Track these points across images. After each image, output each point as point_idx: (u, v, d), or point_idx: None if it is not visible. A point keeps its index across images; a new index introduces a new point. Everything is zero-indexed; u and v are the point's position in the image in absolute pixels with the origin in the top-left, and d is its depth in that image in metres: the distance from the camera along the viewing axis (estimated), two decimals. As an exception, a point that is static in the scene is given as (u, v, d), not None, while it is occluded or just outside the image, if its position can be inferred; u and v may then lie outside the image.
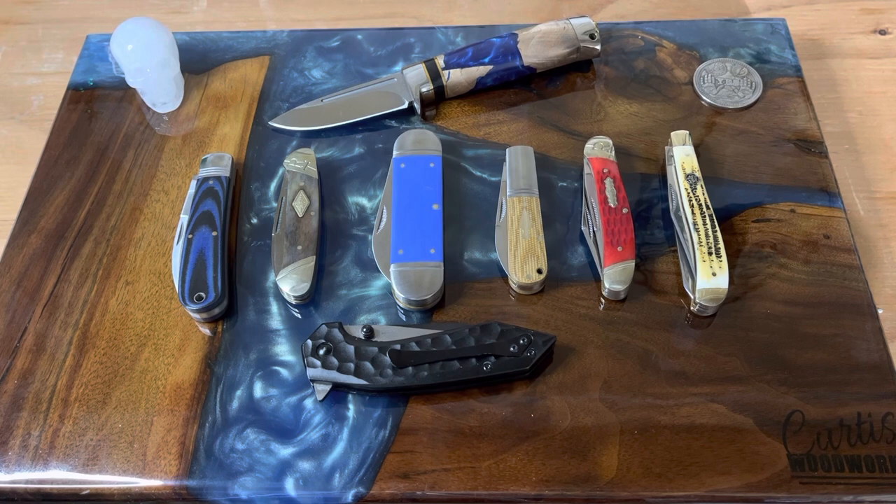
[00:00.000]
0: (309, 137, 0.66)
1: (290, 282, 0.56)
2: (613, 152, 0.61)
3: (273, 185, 0.63)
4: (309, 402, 0.52)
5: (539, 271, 0.56)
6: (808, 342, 0.53)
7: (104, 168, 0.64)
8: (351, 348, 0.52)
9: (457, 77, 0.66)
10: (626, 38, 0.71)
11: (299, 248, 0.57)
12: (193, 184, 0.61)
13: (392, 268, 0.56)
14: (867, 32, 0.77)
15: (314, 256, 0.57)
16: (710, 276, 0.53)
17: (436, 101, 0.67)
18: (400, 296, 0.55)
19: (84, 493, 0.50)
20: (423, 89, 0.66)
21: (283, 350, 0.55)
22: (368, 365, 0.51)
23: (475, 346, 0.52)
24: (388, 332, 0.53)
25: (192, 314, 0.56)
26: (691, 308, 0.55)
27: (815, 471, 0.48)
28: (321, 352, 0.52)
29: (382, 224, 0.59)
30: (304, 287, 0.56)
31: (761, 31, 0.71)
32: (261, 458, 0.50)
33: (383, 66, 0.70)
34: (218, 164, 0.62)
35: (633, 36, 0.71)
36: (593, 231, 0.58)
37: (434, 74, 0.66)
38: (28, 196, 0.63)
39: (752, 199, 0.60)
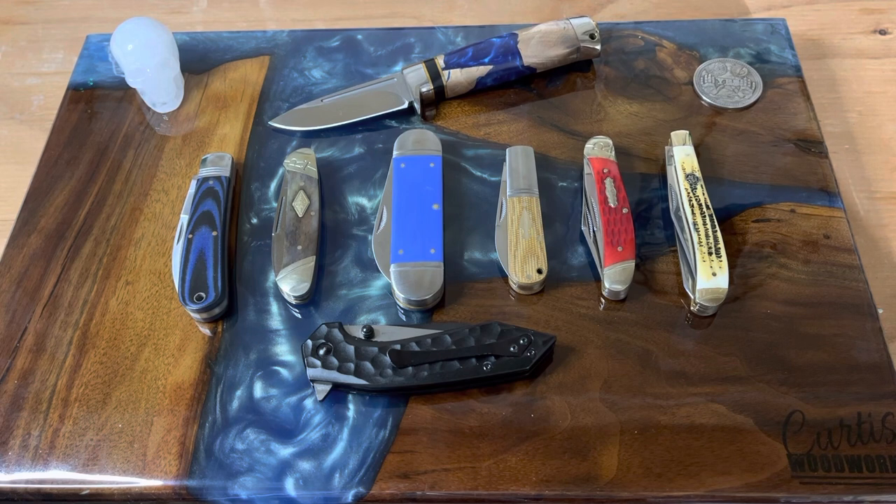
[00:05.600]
0: (309, 137, 0.66)
1: (290, 282, 0.56)
2: (613, 152, 0.61)
3: (273, 185, 0.63)
4: (309, 402, 0.52)
5: (539, 271, 0.56)
6: (808, 342, 0.53)
7: (104, 168, 0.64)
8: (351, 348, 0.52)
9: (457, 77, 0.66)
10: (626, 38, 0.71)
11: (299, 248, 0.57)
12: (193, 184, 0.61)
13: (392, 268, 0.56)
14: (867, 32, 0.77)
15: (314, 256, 0.57)
16: (710, 276, 0.53)
17: (436, 101, 0.67)
18: (400, 296, 0.55)
19: (84, 493, 0.50)
20: (423, 89, 0.66)
21: (283, 350, 0.55)
22: (368, 365, 0.51)
23: (475, 346, 0.52)
24: (388, 332, 0.53)
25: (192, 314, 0.56)
26: (691, 308, 0.55)
27: (815, 471, 0.48)
28: (321, 352, 0.52)
29: (382, 224, 0.59)
30: (304, 287, 0.56)
31: (761, 31, 0.71)
32: (261, 458, 0.50)
33: (383, 66, 0.70)
34: (218, 164, 0.62)
35: (633, 36, 0.71)
36: (593, 231, 0.58)
37: (434, 74, 0.66)
38: (28, 196, 0.63)
39: (752, 199, 0.60)
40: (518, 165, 0.61)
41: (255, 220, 0.61)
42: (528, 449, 0.50)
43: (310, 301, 0.57)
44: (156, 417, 0.52)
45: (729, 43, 0.70)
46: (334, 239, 0.60)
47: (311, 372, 0.52)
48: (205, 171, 0.62)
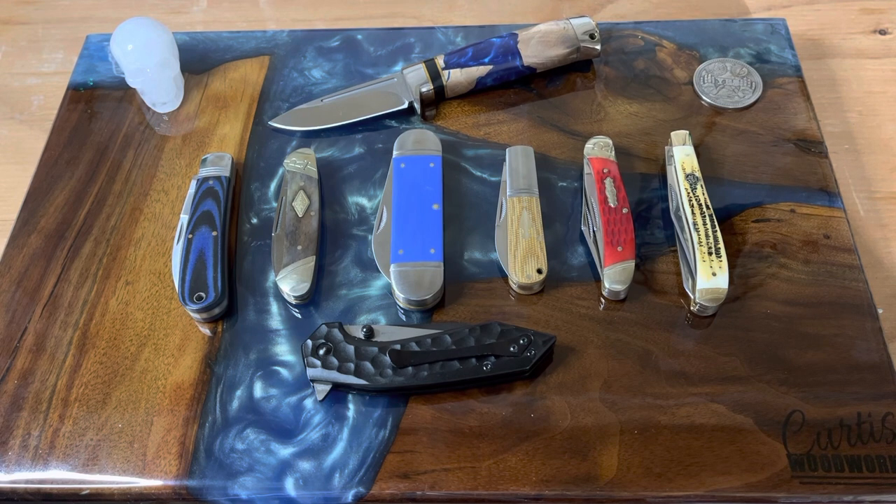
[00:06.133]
0: (309, 137, 0.66)
1: (290, 282, 0.56)
2: (613, 152, 0.61)
3: (273, 185, 0.63)
4: (309, 402, 0.52)
5: (539, 271, 0.56)
6: (808, 342, 0.53)
7: (104, 168, 0.64)
8: (351, 348, 0.52)
9: (457, 77, 0.66)
10: (626, 38, 0.71)
11: (299, 248, 0.57)
12: (193, 184, 0.61)
13: (392, 268, 0.56)
14: (867, 32, 0.77)
15: (314, 256, 0.57)
16: (710, 276, 0.53)
17: (436, 101, 0.67)
18: (400, 296, 0.55)
19: (84, 493, 0.50)
20: (423, 89, 0.66)
21: (283, 350, 0.55)
22: (368, 365, 0.51)
23: (475, 346, 0.52)
24: (388, 332, 0.53)
25: (192, 314, 0.56)
26: (691, 308, 0.55)
27: (815, 471, 0.48)
28: (321, 352, 0.52)
29: (382, 224, 0.59)
30: (304, 287, 0.56)
31: (761, 31, 0.71)
32: (261, 458, 0.50)
33: (383, 66, 0.70)
34: (218, 164, 0.62)
35: (633, 36, 0.71)
36: (593, 231, 0.58)
37: (434, 74, 0.66)
38: (28, 196, 0.63)
39: (752, 199, 0.60)
40: (518, 165, 0.61)
41: (255, 220, 0.61)
42: (528, 449, 0.50)
43: (310, 301, 0.57)
44: (156, 417, 0.52)
45: (729, 43, 0.70)
46: (334, 239, 0.60)
47: (311, 372, 0.52)
48: (205, 171, 0.62)
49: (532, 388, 0.52)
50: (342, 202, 0.62)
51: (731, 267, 0.56)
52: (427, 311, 0.56)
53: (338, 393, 0.52)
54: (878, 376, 0.52)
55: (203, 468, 0.50)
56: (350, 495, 0.49)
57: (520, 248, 0.56)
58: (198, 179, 0.61)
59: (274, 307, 0.57)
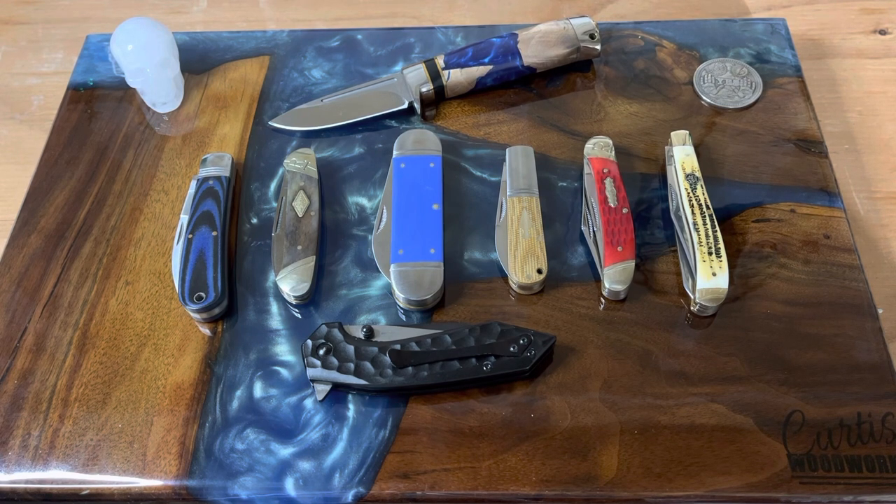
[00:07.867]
0: (309, 137, 0.66)
1: (290, 282, 0.56)
2: (613, 152, 0.61)
3: (273, 185, 0.63)
4: (309, 402, 0.52)
5: (539, 271, 0.56)
6: (808, 342, 0.53)
7: (104, 168, 0.64)
8: (351, 348, 0.52)
9: (457, 77, 0.66)
10: (626, 38, 0.71)
11: (299, 248, 0.57)
12: (193, 184, 0.61)
13: (392, 268, 0.56)
14: (867, 32, 0.77)
15: (314, 256, 0.57)
16: (710, 276, 0.53)
17: (436, 101, 0.67)
18: (400, 296, 0.55)
19: (84, 493, 0.50)
20: (423, 89, 0.66)
21: (283, 350, 0.55)
22: (368, 365, 0.51)
23: (475, 346, 0.52)
24: (388, 332, 0.53)
25: (192, 314, 0.56)
26: (691, 308, 0.55)
27: (815, 471, 0.48)
28: (321, 352, 0.52)
29: (382, 224, 0.59)
30: (304, 287, 0.56)
31: (761, 31, 0.71)
32: (261, 458, 0.50)
33: (383, 66, 0.70)
34: (218, 164, 0.62)
35: (633, 36, 0.71)
36: (593, 231, 0.58)
37: (434, 74, 0.66)
38: (28, 196, 0.63)
39: (752, 199, 0.60)
40: (518, 165, 0.61)
41: (255, 220, 0.61)
42: (528, 449, 0.50)
43: (310, 301, 0.57)
44: (156, 417, 0.52)
45: (729, 43, 0.70)
46: (334, 239, 0.60)
47: (311, 372, 0.52)
48: (205, 171, 0.62)
49: (532, 388, 0.52)
50: (342, 202, 0.62)
51: (731, 267, 0.56)
52: (427, 311, 0.56)
53: (338, 393, 0.52)
54: (878, 376, 0.52)
55: (203, 468, 0.50)
56: (350, 495, 0.49)
57: (520, 248, 0.56)
58: (198, 179, 0.61)
59: (274, 307, 0.57)
